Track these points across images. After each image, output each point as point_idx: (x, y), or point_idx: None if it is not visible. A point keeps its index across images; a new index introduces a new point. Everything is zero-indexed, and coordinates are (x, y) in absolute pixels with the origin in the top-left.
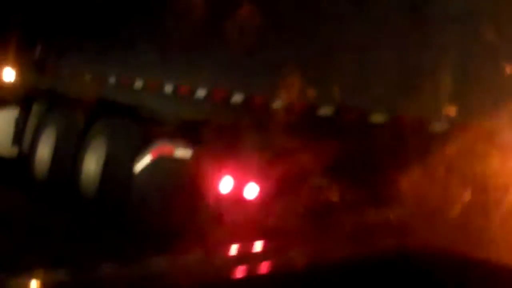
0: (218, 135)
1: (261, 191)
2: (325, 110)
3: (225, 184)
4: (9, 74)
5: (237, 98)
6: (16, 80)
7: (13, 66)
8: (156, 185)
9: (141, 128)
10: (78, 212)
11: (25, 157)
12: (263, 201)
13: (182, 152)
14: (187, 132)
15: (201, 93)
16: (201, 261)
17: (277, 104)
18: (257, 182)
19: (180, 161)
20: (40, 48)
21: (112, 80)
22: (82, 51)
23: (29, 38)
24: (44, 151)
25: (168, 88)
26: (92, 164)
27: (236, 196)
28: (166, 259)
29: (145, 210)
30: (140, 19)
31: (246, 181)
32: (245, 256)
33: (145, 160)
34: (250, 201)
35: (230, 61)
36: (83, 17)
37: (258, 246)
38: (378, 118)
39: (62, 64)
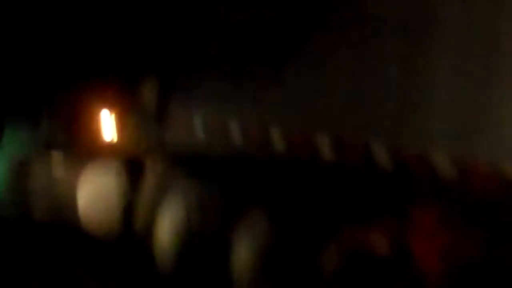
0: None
1: None
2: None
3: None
4: (110, 126)
5: None
6: (119, 134)
7: (114, 114)
8: None
9: (315, 210)
10: None
11: (137, 241)
12: None
13: (379, 245)
14: (369, 214)
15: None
16: None
17: None
18: None
19: (380, 260)
20: (151, 87)
21: (274, 131)
22: (217, 90)
23: (135, 74)
24: (166, 234)
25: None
26: (244, 254)
27: None
28: None
29: None
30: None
31: None
32: None
33: (332, 258)
34: None
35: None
36: (216, 42)
37: None
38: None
39: (185, 108)
